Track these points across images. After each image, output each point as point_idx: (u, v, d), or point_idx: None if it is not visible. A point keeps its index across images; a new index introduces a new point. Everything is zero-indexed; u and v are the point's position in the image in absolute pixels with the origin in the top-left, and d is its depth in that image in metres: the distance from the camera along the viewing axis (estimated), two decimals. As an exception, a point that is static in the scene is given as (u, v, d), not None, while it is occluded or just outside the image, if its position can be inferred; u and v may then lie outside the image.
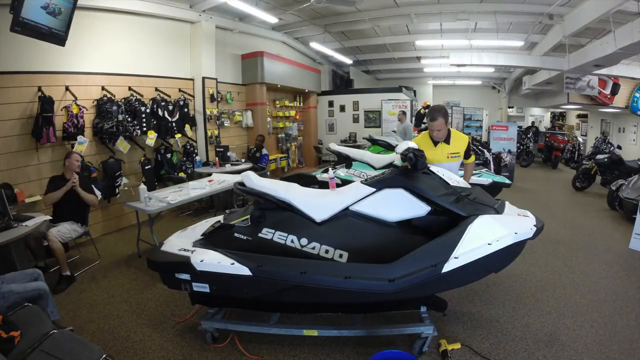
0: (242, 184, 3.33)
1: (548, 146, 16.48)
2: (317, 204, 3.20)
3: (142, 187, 5.54)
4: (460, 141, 4.15)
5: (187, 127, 8.12)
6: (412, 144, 3.30)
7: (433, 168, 3.39)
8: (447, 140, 4.08)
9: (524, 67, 13.72)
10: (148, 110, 7.13)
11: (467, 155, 4.27)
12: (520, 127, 16.16)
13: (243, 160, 9.09)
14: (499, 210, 3.15)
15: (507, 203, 3.37)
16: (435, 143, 4.06)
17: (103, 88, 6.59)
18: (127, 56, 7.16)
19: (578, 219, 7.53)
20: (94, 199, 5.27)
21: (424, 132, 4.33)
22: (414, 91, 18.42)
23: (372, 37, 12.69)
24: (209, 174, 7.25)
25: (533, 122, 18.86)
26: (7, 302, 3.08)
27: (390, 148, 7.64)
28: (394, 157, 4.51)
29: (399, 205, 3.12)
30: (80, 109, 6.06)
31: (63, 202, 4.97)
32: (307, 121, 13.99)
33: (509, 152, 11.87)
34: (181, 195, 5.83)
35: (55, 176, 5.20)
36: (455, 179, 3.41)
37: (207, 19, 8.65)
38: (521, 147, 15.57)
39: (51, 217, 4.77)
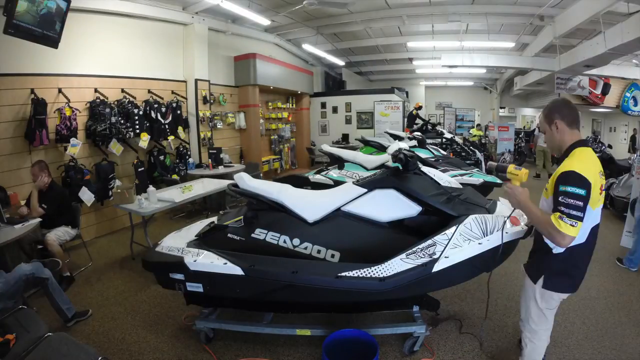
0: (235, 185, 3.34)
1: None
2: (309, 205, 3.23)
3: (151, 188, 5.58)
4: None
5: (179, 129, 8.11)
6: (403, 145, 3.33)
7: (424, 169, 3.42)
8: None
9: (515, 68, 13.82)
10: (141, 113, 7.11)
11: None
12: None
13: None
14: (490, 210, 3.18)
15: (498, 203, 3.41)
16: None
17: (96, 90, 6.57)
18: (119, 58, 7.15)
19: (569, 217, 7.58)
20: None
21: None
22: (407, 92, 18.49)
23: (364, 39, 12.76)
24: (202, 176, 7.30)
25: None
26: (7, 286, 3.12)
27: (382, 149, 7.66)
28: (386, 158, 4.54)
29: (390, 206, 3.14)
30: (73, 111, 6.05)
31: (51, 208, 4.94)
32: (299, 123, 14.00)
33: (509, 151, 12.04)
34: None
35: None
36: (446, 180, 3.45)
37: (199, 21, 8.66)
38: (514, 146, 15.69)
39: (41, 220, 4.74)
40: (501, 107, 20.74)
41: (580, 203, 2.06)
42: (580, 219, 2.07)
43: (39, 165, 4.92)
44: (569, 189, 2.09)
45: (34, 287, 3.60)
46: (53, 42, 5.17)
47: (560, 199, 2.11)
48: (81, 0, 6.13)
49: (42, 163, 4.97)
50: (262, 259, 2.97)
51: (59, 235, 4.87)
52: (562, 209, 2.08)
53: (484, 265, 2.98)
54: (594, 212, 2.26)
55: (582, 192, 2.07)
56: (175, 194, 5.75)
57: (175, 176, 7.93)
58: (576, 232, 2.09)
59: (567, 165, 2.18)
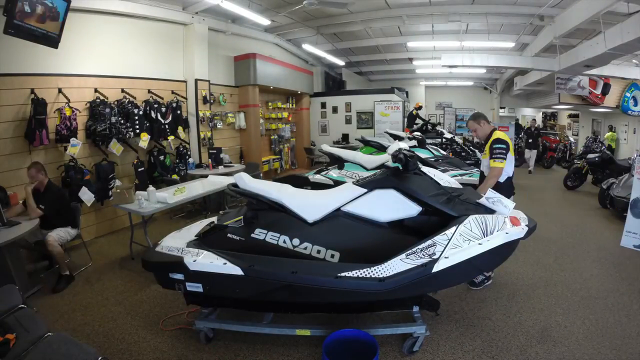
0: (235, 185, 3.34)
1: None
2: (309, 205, 3.23)
3: (151, 188, 5.56)
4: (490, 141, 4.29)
5: (179, 129, 8.10)
6: (403, 145, 3.33)
7: (424, 169, 3.42)
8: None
9: (515, 68, 13.80)
10: (141, 113, 7.10)
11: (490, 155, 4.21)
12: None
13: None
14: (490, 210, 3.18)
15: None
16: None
17: (96, 90, 6.56)
18: (119, 58, 7.14)
19: (569, 217, 7.60)
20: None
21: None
22: (406, 92, 18.49)
23: (364, 39, 12.74)
24: (202, 176, 7.29)
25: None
26: None
27: (382, 149, 7.67)
28: (386, 158, 4.54)
29: (390, 206, 3.15)
30: (73, 111, 6.04)
31: (49, 209, 4.92)
32: (299, 123, 14.02)
33: None
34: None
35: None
36: (446, 180, 3.45)
37: (199, 21, 8.65)
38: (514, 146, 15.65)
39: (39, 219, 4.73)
40: (501, 107, 20.71)
41: None
42: None
43: (35, 167, 4.91)
44: None
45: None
46: (53, 42, 5.17)
47: None
48: (81, 0, 6.12)
49: (38, 165, 4.97)
50: (261, 259, 2.97)
51: (60, 235, 4.87)
52: None
53: (484, 266, 2.98)
54: None
55: None
56: (168, 195, 5.68)
57: (175, 176, 7.92)
58: None
59: None
